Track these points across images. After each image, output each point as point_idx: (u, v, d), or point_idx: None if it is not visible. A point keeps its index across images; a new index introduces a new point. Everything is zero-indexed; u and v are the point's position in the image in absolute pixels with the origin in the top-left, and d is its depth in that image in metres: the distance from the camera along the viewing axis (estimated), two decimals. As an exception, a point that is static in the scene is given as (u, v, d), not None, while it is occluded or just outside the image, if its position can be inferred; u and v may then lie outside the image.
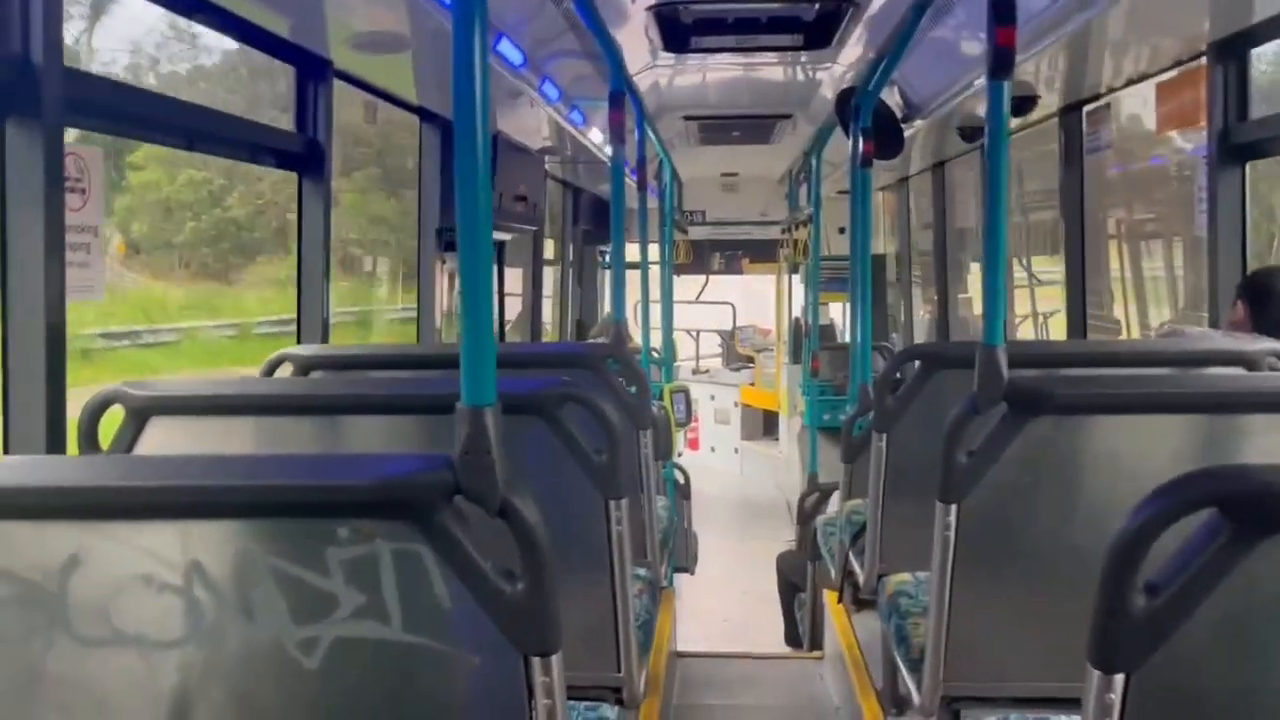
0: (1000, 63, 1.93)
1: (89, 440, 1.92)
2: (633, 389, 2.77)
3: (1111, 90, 3.97)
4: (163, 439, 1.91)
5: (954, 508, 2.00)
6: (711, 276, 12.27)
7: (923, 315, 8.70)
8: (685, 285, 12.09)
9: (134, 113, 2.47)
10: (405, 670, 1.25)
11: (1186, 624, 1.15)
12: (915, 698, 2.22)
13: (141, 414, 1.91)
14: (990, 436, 1.94)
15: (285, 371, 2.65)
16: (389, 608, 1.22)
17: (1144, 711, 1.18)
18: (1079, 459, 1.98)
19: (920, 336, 8.49)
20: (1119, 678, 1.17)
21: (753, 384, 11.08)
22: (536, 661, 1.24)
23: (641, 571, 2.71)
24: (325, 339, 3.22)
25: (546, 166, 6.50)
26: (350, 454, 1.88)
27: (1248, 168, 3.13)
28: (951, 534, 2.01)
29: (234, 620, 1.22)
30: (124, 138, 2.69)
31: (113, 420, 1.95)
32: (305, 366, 2.62)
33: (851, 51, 4.68)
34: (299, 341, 3.20)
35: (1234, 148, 3.10)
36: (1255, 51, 3.09)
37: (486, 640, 1.23)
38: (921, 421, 2.60)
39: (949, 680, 2.09)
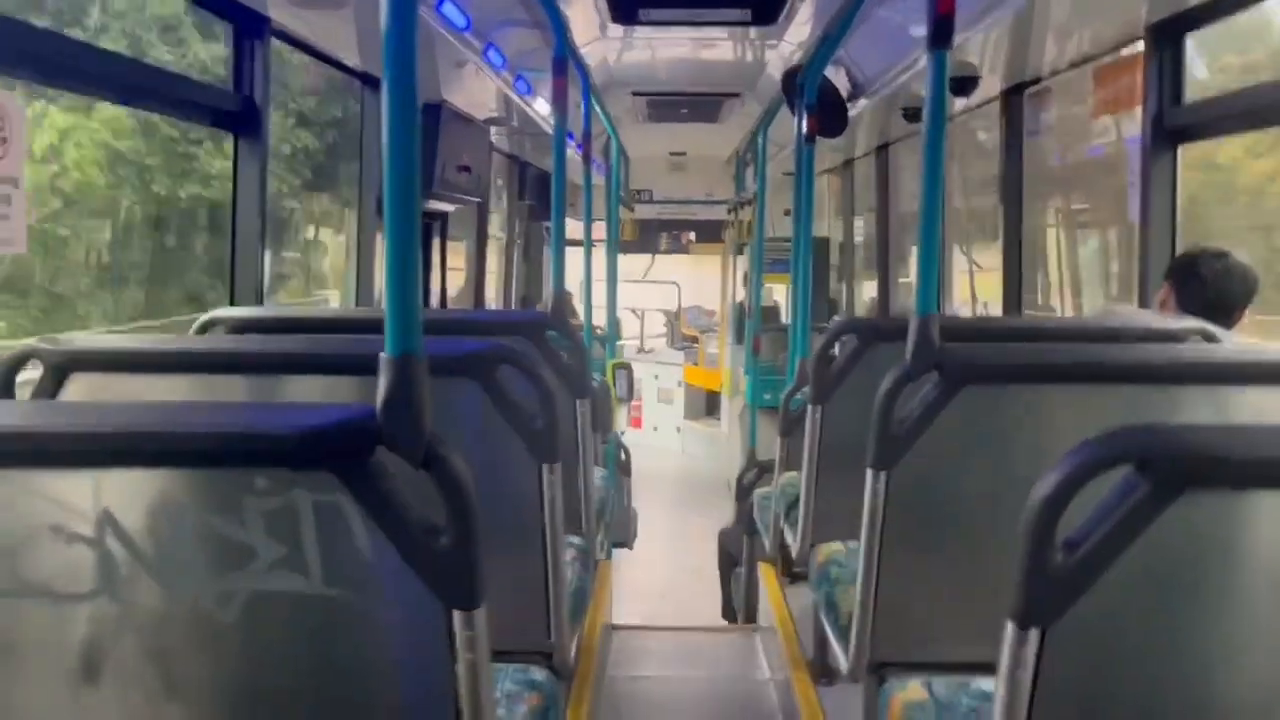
0: (940, 31, 1.93)
1: (4, 397, 1.86)
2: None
3: (1053, 73, 4.03)
4: (83, 395, 1.86)
5: (884, 475, 2.02)
6: (658, 256, 12.27)
7: (865, 299, 8.79)
8: (633, 264, 12.10)
9: (60, 61, 2.38)
10: (326, 624, 1.23)
11: (1103, 579, 1.17)
12: (843, 664, 2.24)
13: (60, 370, 1.85)
14: (922, 404, 1.96)
15: (219, 334, 2.60)
16: (309, 560, 1.20)
17: (1058, 665, 1.20)
18: (1008, 428, 2.01)
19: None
20: (1034, 632, 1.20)
21: (696, 364, 11.12)
22: (459, 615, 1.22)
23: (576, 540, 2.70)
24: (260, 300, 3.16)
25: (493, 139, 6.43)
26: (272, 404, 1.85)
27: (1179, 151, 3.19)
28: (881, 501, 2.03)
29: (147, 572, 1.19)
30: (49, 87, 2.60)
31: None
32: (238, 328, 2.56)
33: (799, 29, 4.69)
34: (231, 303, 3.14)
35: (1168, 131, 3.15)
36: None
37: (410, 594, 1.21)
38: (856, 394, 2.61)
39: (876, 646, 2.11)
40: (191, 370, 1.93)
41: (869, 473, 2.03)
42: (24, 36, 2.21)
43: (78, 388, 1.87)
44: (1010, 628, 1.21)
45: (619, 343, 9.61)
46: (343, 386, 1.97)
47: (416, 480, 1.20)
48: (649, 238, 11.60)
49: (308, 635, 1.24)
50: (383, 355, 1.18)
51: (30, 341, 1.91)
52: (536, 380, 1.99)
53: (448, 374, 1.96)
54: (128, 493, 1.19)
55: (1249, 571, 1.20)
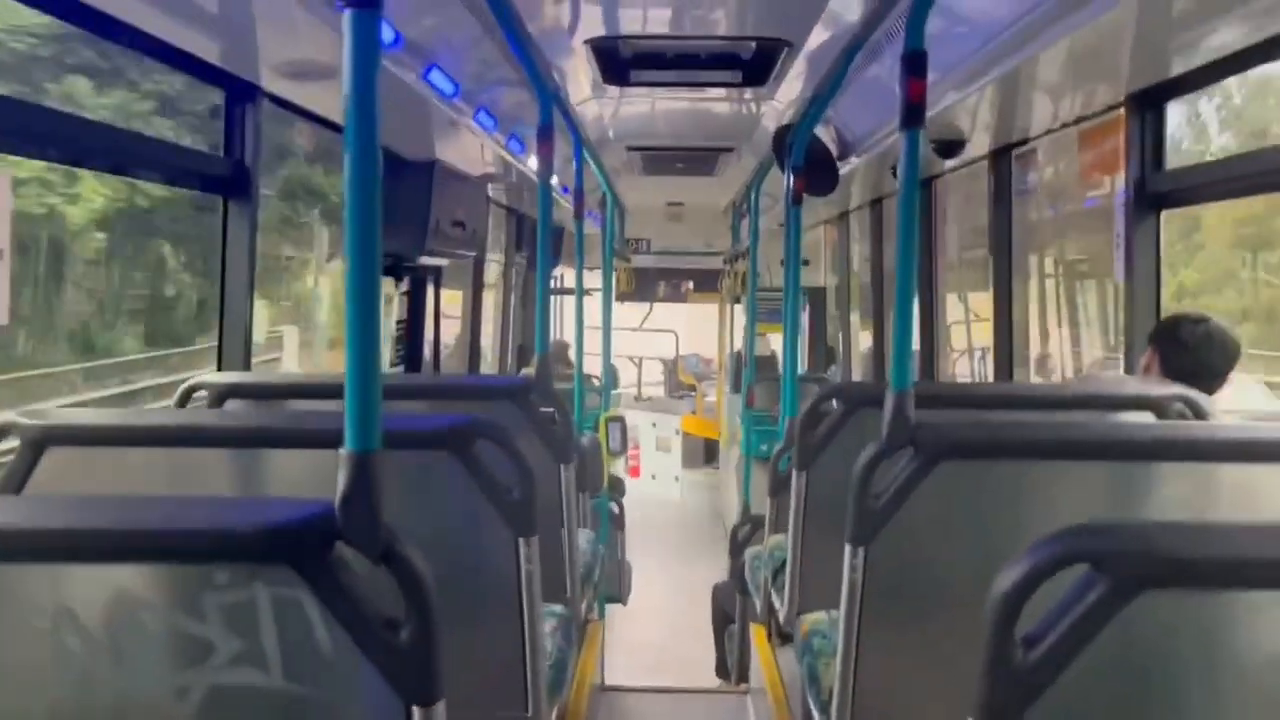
0: (911, 114, 1.95)
1: None
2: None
3: (1041, 135, 4.06)
4: (59, 471, 1.86)
5: (862, 550, 2.01)
6: (656, 304, 12.31)
7: (863, 349, 8.80)
8: (631, 312, 12.14)
9: (48, 134, 2.41)
10: (285, 719, 1.23)
11: (1066, 675, 1.16)
12: None
13: (36, 445, 1.86)
14: (898, 480, 1.96)
15: (202, 400, 2.61)
16: (268, 655, 1.20)
17: None
18: (986, 503, 2.01)
19: (858, 368, 8.57)
20: None
21: (694, 412, 11.11)
22: (419, 711, 1.22)
23: (558, 609, 2.69)
24: (247, 366, 3.17)
25: (490, 193, 6.48)
26: (239, 495, 1.85)
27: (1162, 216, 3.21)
28: (859, 576, 2.02)
29: (104, 666, 1.19)
30: (38, 160, 2.63)
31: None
32: (221, 395, 2.57)
33: (791, 88, 4.74)
34: (219, 368, 3.15)
35: (1150, 196, 3.18)
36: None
37: (370, 688, 1.21)
38: (842, 459, 2.61)
39: None
40: (169, 444, 1.94)
41: (847, 548, 2.02)
42: (8, 109, 2.24)
43: (54, 462, 1.87)
44: None
45: (615, 391, 9.62)
46: (322, 459, 1.97)
47: (378, 572, 1.21)
48: (647, 287, 11.65)
49: None
50: (341, 451, 1.19)
51: (7, 414, 1.92)
52: (513, 454, 1.99)
53: (425, 447, 1.96)
54: (86, 586, 1.19)
55: (1218, 669, 1.20)
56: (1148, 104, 3.15)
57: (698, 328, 13.55)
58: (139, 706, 1.20)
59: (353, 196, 1.18)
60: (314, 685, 1.21)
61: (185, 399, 2.58)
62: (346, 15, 1.18)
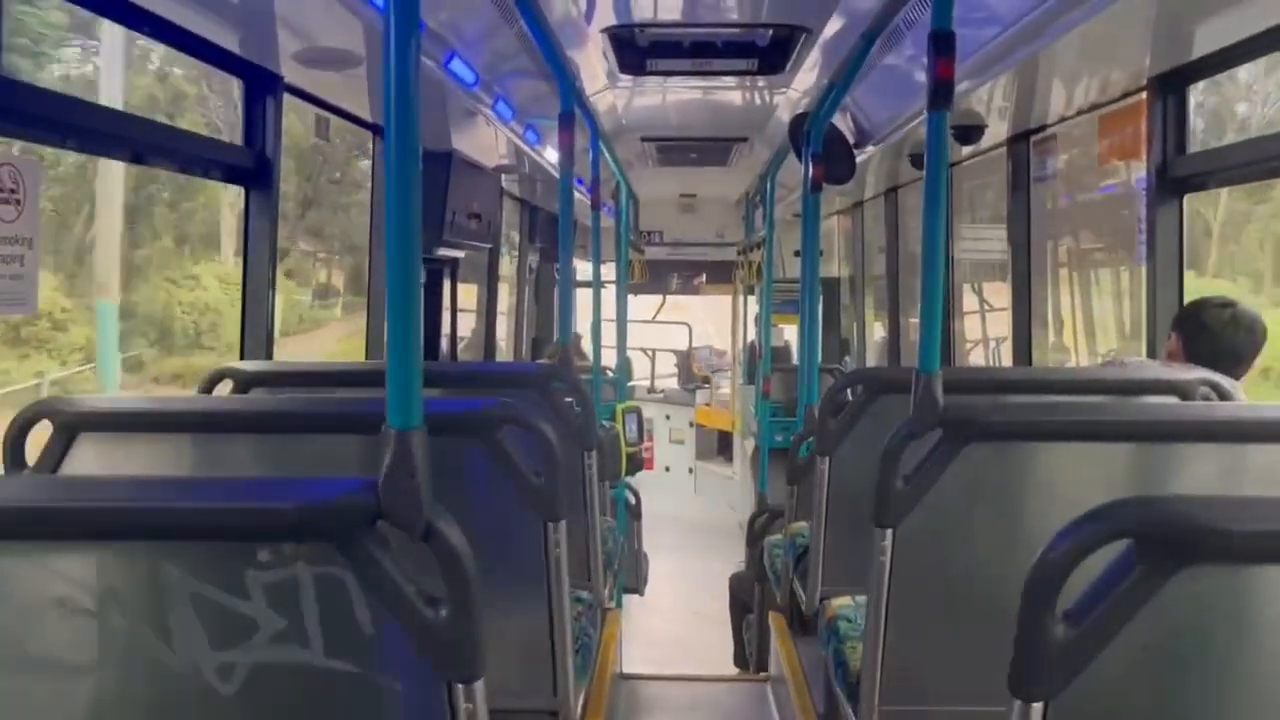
0: (940, 94, 1.95)
1: (15, 457, 1.88)
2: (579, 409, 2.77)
3: (1060, 120, 4.05)
4: (92, 456, 1.88)
5: (890, 532, 2.01)
6: (670, 297, 12.29)
7: (876, 338, 8.78)
8: (644, 304, 12.13)
9: (75, 124, 2.43)
10: (326, 696, 1.23)
11: (1104, 653, 1.16)
12: None
13: (70, 430, 1.87)
14: (926, 462, 1.95)
15: (226, 388, 2.62)
16: (310, 632, 1.21)
17: None
18: (1013, 485, 2.00)
19: (873, 359, 8.56)
20: (1038, 706, 1.19)
21: (708, 404, 11.10)
22: (460, 688, 1.22)
23: (583, 594, 2.69)
24: (269, 354, 3.18)
25: (504, 184, 6.49)
26: (274, 476, 1.86)
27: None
28: (887, 559, 2.02)
29: (149, 645, 1.20)
30: (65, 150, 2.65)
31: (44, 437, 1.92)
32: (246, 383, 2.58)
33: (806, 77, 4.73)
34: (242, 357, 3.16)
35: (1172, 181, 3.16)
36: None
37: (410, 665, 1.21)
38: (864, 445, 2.61)
39: (885, 704, 2.10)
40: (199, 430, 1.95)
41: (874, 530, 2.02)
42: (36, 99, 2.25)
43: (86, 448, 1.89)
44: (1015, 702, 1.20)
45: (629, 383, 9.62)
46: (348, 445, 1.99)
47: (418, 549, 1.21)
48: (660, 278, 11.64)
49: (309, 707, 1.24)
50: (385, 428, 1.19)
51: (43, 400, 1.93)
52: (539, 438, 1.99)
53: (452, 433, 1.97)
54: (130, 566, 1.20)
55: (1258, 645, 1.19)
56: (1170, 88, 3.14)
57: (710, 320, 13.55)
58: (183, 684, 1.21)
59: (394, 190, 1.20)
60: (356, 662, 1.21)
61: (210, 387, 2.59)
62: (392, 13, 1.19)
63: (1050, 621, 1.16)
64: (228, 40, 2.88)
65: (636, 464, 6.27)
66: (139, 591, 1.19)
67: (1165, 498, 1.17)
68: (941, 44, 1.94)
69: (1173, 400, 2.48)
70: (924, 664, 2.09)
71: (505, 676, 2.24)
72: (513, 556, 2.08)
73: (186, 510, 1.18)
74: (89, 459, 1.87)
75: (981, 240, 5.97)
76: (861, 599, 2.62)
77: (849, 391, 2.84)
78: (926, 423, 1.96)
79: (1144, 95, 3.26)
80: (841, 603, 2.69)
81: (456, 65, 3.32)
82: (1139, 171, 3.47)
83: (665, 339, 12.42)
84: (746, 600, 5.36)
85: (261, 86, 3.13)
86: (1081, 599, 1.16)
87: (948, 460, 1.94)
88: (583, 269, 8.49)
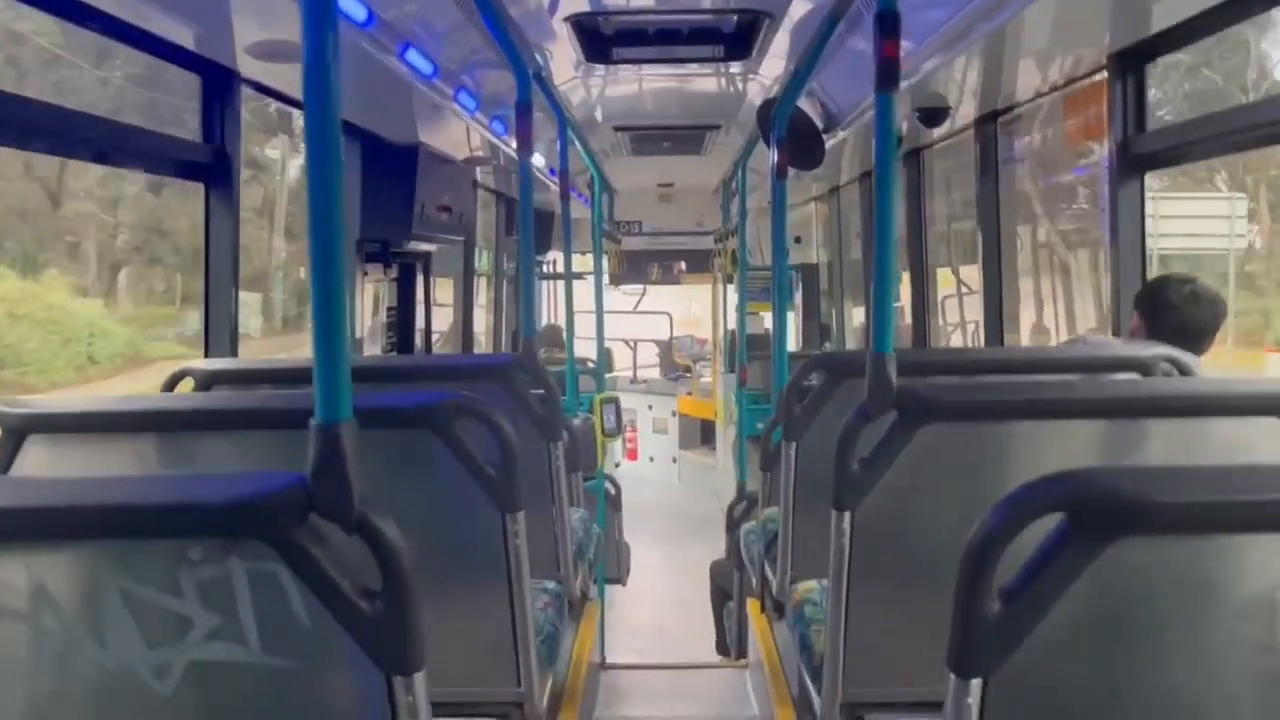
0: (886, 75, 1.94)
1: None
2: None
3: (1026, 101, 4.05)
4: (40, 458, 1.86)
5: (848, 515, 2.01)
6: (650, 286, 12.29)
7: (856, 324, 8.79)
8: (626, 295, 12.13)
9: (29, 123, 2.40)
10: (266, 692, 1.22)
11: (1042, 627, 1.16)
12: (817, 705, 2.22)
13: (17, 432, 1.85)
14: (881, 444, 1.95)
15: (188, 386, 2.60)
16: (246, 628, 1.20)
17: (1002, 715, 1.19)
18: (971, 465, 2.01)
19: (853, 343, 8.57)
20: (976, 682, 1.19)
21: (690, 393, 11.11)
22: (399, 680, 1.21)
23: (550, 585, 2.69)
24: (234, 352, 3.16)
25: (479, 177, 6.45)
26: (209, 474, 1.85)
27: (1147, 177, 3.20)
28: (846, 541, 2.02)
29: (83, 646, 1.19)
30: (20, 149, 2.62)
31: None
32: (207, 381, 2.57)
33: (775, 63, 4.72)
34: (206, 355, 3.14)
35: (1133, 158, 3.17)
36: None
37: (349, 659, 1.21)
38: (829, 430, 2.61)
39: (849, 687, 2.10)
40: (151, 430, 1.94)
41: (833, 514, 2.02)
42: None
43: (35, 450, 1.87)
44: (953, 678, 1.20)
45: (610, 374, 9.61)
46: (303, 441, 1.97)
47: (355, 541, 1.20)
48: (640, 269, 11.63)
49: (247, 705, 1.23)
50: (312, 422, 1.18)
51: None
52: (496, 429, 1.99)
53: (408, 425, 1.96)
54: (60, 567, 1.19)
55: (1194, 614, 1.19)
56: (1129, 65, 3.14)
57: (691, 309, 13.55)
58: (119, 684, 1.19)
59: (313, 170, 1.17)
60: (293, 657, 1.20)
61: (171, 386, 2.57)
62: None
63: (986, 598, 1.16)
64: (182, 37, 2.85)
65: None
66: (71, 592, 1.18)
67: (1096, 470, 1.17)
68: (887, 24, 1.93)
69: (1133, 377, 2.49)
70: (886, 646, 2.09)
71: (469, 667, 2.23)
72: (477, 549, 2.07)
73: (114, 508, 1.17)
74: (37, 461, 1.86)
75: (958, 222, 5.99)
76: (825, 582, 2.62)
77: (814, 376, 2.83)
78: (880, 405, 1.95)
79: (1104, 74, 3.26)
80: (808, 587, 2.69)
81: (413, 56, 3.29)
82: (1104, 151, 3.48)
83: (647, 329, 12.41)
84: (727, 587, 5.38)
85: (218, 82, 3.10)
86: (1017, 575, 1.16)
87: (903, 442, 1.94)
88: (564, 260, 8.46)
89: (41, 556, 1.18)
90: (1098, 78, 3.37)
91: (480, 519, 2.05)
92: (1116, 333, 3.18)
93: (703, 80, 5.42)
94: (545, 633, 2.45)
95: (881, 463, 1.96)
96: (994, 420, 1.96)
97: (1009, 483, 1.95)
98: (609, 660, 4.74)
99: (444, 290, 6.57)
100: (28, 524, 1.17)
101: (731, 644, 5.10)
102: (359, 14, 2.88)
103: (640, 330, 12.33)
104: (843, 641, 2.08)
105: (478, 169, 6.17)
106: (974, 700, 1.19)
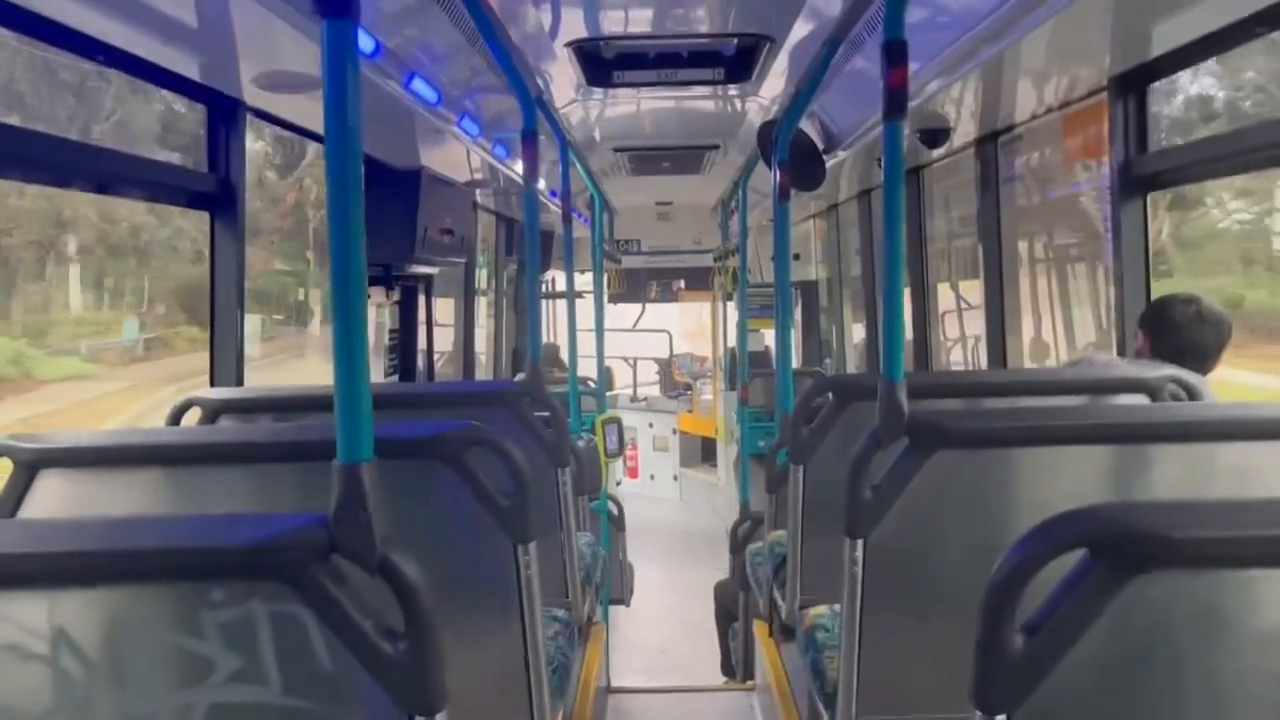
0: (894, 104, 1.95)
1: None
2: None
3: (1027, 120, 4.07)
4: (54, 494, 1.86)
5: (860, 543, 2.01)
6: (649, 304, 12.30)
7: (856, 341, 8.80)
8: (624, 313, 12.13)
9: (30, 155, 2.41)
10: None
11: (1065, 661, 1.16)
12: None
13: (30, 467, 1.85)
14: (893, 471, 1.95)
15: (195, 416, 2.60)
16: (268, 670, 1.20)
17: None
18: (983, 491, 2.01)
19: (852, 362, 8.58)
20: (1000, 719, 1.19)
21: (691, 411, 11.10)
22: None
23: (559, 613, 2.68)
24: (239, 381, 3.16)
25: (479, 198, 6.47)
26: (228, 514, 1.84)
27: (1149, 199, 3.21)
28: (859, 569, 2.02)
29: (105, 689, 1.18)
30: (21, 182, 2.62)
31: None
32: (214, 411, 2.56)
33: (774, 84, 4.74)
34: (212, 384, 3.14)
35: (1135, 179, 3.18)
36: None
37: (370, 700, 1.20)
38: (837, 453, 2.61)
39: (862, 714, 2.09)
40: (163, 464, 1.93)
41: (845, 541, 2.02)
42: None
43: (48, 486, 1.87)
44: (976, 713, 1.20)
45: (610, 393, 9.60)
46: (317, 473, 1.97)
47: (374, 583, 1.20)
48: (639, 287, 11.64)
49: None
50: (334, 464, 1.18)
51: (1, 438, 1.91)
52: (508, 459, 1.99)
53: (420, 457, 1.96)
54: (82, 610, 1.19)
55: (1218, 647, 1.19)
56: (1130, 87, 3.16)
57: (690, 327, 13.55)
58: None
59: (335, 206, 1.17)
60: (315, 699, 1.20)
61: (178, 416, 2.57)
62: (324, 26, 1.17)
63: (1009, 633, 1.16)
64: (188, 68, 2.86)
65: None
66: (92, 635, 1.18)
67: (1117, 505, 1.17)
68: (894, 54, 1.94)
69: (1141, 400, 2.49)
70: (900, 673, 2.09)
71: (480, 700, 2.22)
72: (487, 578, 2.07)
73: (136, 552, 1.17)
74: (51, 498, 1.85)
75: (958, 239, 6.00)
76: (837, 608, 2.62)
77: (823, 398, 2.84)
78: (892, 432, 1.96)
79: (1105, 95, 3.28)
80: (818, 612, 2.69)
81: (418, 85, 3.31)
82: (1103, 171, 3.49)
83: (646, 347, 12.42)
84: (731, 608, 5.36)
85: (223, 112, 3.12)
86: (1040, 609, 1.16)
87: (915, 469, 1.94)
88: (562, 280, 8.49)
89: (62, 599, 1.18)
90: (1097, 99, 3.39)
91: (490, 549, 2.04)
92: (1120, 351, 3.19)
93: (701, 101, 5.45)
94: (556, 662, 2.44)
95: (894, 490, 1.96)
96: (1007, 446, 1.97)
97: (1021, 508, 1.97)
98: (615, 683, 4.73)
99: (442, 310, 6.57)
100: (48, 567, 1.17)
101: (737, 666, 5.08)
102: (367, 46, 2.90)
103: (640, 348, 12.33)
104: (856, 668, 2.07)
105: (477, 191, 6.19)
106: None
